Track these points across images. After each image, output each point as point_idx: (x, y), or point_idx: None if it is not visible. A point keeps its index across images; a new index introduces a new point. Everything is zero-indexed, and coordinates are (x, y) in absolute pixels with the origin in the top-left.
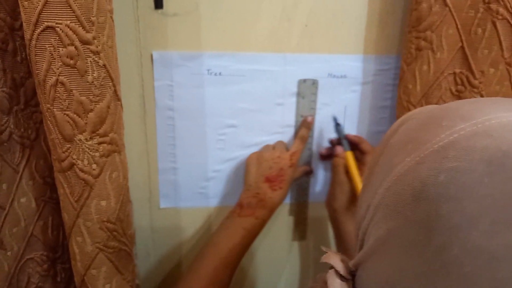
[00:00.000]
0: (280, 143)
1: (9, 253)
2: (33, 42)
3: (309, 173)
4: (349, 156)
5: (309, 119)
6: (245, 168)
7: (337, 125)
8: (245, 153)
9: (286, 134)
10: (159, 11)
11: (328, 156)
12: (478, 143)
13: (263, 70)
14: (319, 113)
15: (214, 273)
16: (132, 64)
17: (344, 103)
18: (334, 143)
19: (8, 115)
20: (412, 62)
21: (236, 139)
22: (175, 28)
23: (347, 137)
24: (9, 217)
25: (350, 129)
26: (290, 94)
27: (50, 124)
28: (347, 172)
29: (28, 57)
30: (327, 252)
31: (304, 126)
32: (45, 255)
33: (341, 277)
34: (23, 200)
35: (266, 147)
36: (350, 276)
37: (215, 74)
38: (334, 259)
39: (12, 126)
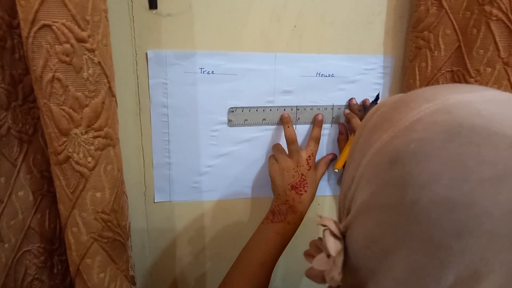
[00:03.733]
0: (294, 147)
1: (6, 245)
2: (30, 39)
3: (333, 159)
4: None
5: (319, 117)
6: (270, 180)
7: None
8: (236, 149)
9: (275, 131)
10: (154, 11)
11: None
12: (439, 118)
13: (254, 69)
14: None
15: (252, 275)
16: (127, 62)
17: (332, 101)
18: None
19: (6, 111)
20: (413, 59)
21: (228, 135)
22: (169, 28)
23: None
24: (7, 209)
25: (337, 126)
26: (280, 92)
27: (47, 119)
28: None
29: (25, 54)
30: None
31: (316, 125)
32: (42, 247)
33: (335, 236)
34: (21, 193)
35: (281, 156)
36: (342, 236)
37: (208, 73)
38: (328, 221)
39: (10, 122)
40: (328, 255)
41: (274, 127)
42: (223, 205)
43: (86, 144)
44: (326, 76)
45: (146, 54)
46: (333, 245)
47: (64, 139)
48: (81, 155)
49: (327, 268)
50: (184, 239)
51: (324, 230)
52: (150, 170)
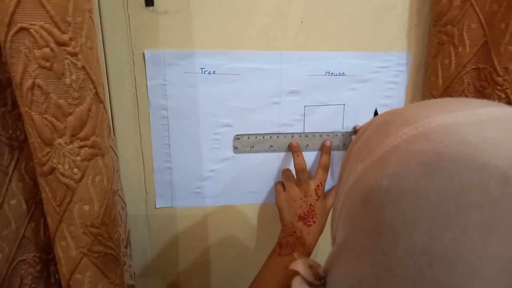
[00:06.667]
0: (303, 176)
1: (0, 255)
2: (8, 44)
3: None
4: None
5: (328, 143)
6: (277, 209)
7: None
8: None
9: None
10: (150, 8)
11: None
12: (416, 147)
13: (258, 69)
14: (317, 111)
15: None
16: (124, 63)
17: (343, 101)
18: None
19: None
20: (435, 56)
21: (231, 138)
22: (166, 26)
23: None
24: None
25: (349, 129)
26: (286, 93)
27: (30, 128)
28: None
29: (4, 59)
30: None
31: (325, 152)
32: (37, 257)
33: (309, 283)
34: (13, 202)
35: (290, 184)
36: (320, 282)
37: (209, 73)
38: (301, 266)
39: None
40: None
41: (280, 129)
42: (226, 211)
43: (71, 155)
44: (336, 75)
45: (143, 54)
46: None
47: (48, 149)
48: (66, 166)
49: None
50: (186, 246)
51: (295, 277)
52: (151, 175)
